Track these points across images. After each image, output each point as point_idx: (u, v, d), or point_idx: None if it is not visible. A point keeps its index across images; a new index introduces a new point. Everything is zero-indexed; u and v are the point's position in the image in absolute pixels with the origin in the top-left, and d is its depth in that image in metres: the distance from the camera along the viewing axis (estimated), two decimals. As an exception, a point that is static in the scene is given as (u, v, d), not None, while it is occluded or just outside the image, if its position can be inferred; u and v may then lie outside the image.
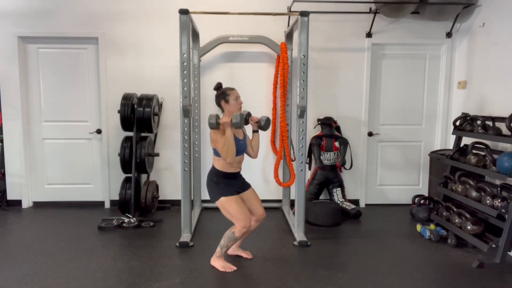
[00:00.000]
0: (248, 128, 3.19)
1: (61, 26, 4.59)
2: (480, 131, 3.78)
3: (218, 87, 3.10)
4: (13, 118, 4.68)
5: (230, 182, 3.04)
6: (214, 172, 3.04)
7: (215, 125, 2.91)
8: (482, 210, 3.47)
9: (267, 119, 3.06)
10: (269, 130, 4.77)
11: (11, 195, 4.80)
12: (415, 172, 5.02)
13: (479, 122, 3.83)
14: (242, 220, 2.94)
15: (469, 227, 3.49)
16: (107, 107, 4.71)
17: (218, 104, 3.07)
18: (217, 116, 2.93)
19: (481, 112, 4.20)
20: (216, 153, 3.00)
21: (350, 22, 4.72)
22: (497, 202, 3.31)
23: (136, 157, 4.31)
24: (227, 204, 2.96)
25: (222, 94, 3.04)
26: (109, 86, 4.69)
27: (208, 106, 4.70)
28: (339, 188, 4.67)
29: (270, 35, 4.49)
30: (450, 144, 4.73)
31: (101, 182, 4.87)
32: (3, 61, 4.60)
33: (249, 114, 3.05)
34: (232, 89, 3.07)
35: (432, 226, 3.88)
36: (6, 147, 4.73)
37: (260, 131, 3.15)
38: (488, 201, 3.41)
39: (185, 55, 3.50)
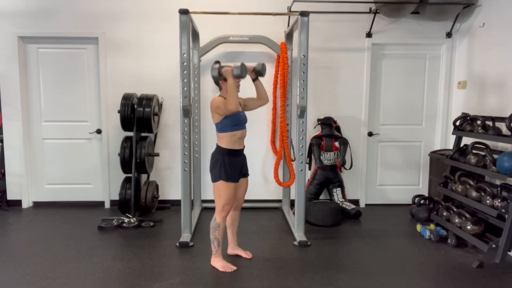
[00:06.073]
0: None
1: (61, 26, 4.59)
2: (480, 131, 3.78)
3: (217, 62, 3.00)
4: (13, 118, 4.68)
5: (235, 161, 3.02)
6: (219, 151, 3.02)
7: (217, 75, 2.87)
8: (482, 210, 3.47)
9: (263, 64, 3.01)
10: (269, 130, 4.77)
11: (11, 195, 4.80)
12: (415, 172, 5.02)
13: (479, 122, 3.83)
14: (227, 204, 3.00)
15: (469, 227, 3.49)
16: (107, 107, 4.71)
17: (217, 82, 3.03)
18: (220, 66, 2.88)
19: (481, 112, 4.20)
20: (220, 129, 3.00)
21: (350, 22, 4.72)
22: (497, 202, 3.31)
23: (136, 157, 4.30)
24: (223, 189, 2.98)
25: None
26: (109, 86, 4.69)
27: (208, 106, 4.68)
28: (339, 188, 4.66)
29: (270, 35, 4.49)
30: (450, 144, 4.73)
31: (101, 182, 4.86)
32: (3, 61, 4.60)
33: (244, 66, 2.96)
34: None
35: (432, 226, 3.88)
36: (6, 147, 4.73)
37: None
38: (488, 201, 3.42)
39: (185, 55, 3.50)
